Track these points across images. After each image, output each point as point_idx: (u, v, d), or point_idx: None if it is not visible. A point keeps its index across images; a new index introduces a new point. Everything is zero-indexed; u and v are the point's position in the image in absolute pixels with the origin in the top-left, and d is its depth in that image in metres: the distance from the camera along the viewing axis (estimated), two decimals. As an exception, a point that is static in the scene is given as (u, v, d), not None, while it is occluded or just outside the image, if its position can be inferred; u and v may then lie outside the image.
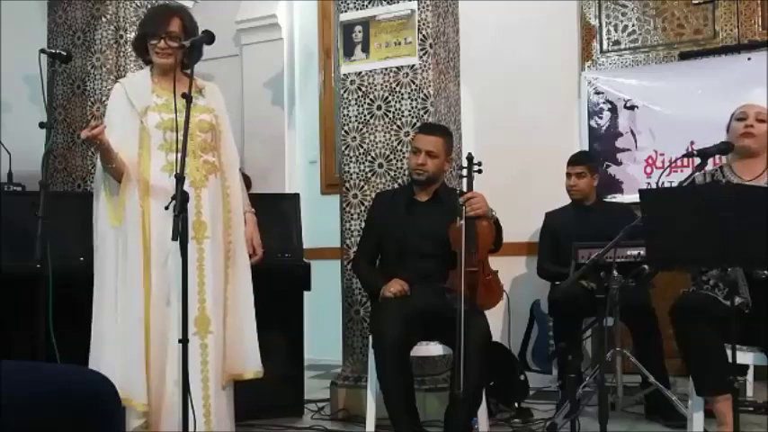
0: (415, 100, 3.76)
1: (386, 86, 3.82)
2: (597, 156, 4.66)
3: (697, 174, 2.97)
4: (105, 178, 2.73)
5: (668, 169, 4.36)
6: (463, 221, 3.10)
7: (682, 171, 4.37)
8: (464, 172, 3.21)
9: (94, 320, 2.70)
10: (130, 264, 2.66)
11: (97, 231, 2.75)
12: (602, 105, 4.90)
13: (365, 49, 3.87)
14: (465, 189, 3.19)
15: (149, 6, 4.35)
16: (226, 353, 2.76)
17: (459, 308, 2.93)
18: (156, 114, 2.75)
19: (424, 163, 3.33)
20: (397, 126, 3.79)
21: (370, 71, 3.86)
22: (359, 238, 3.70)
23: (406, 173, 3.70)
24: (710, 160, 3.06)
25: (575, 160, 4.17)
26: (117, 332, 2.65)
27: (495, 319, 3.88)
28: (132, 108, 2.76)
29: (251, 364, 2.82)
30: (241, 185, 2.95)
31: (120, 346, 2.63)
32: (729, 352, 2.47)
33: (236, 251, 2.84)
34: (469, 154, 3.24)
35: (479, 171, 3.20)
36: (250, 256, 2.89)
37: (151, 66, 2.89)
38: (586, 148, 4.80)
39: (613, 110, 4.86)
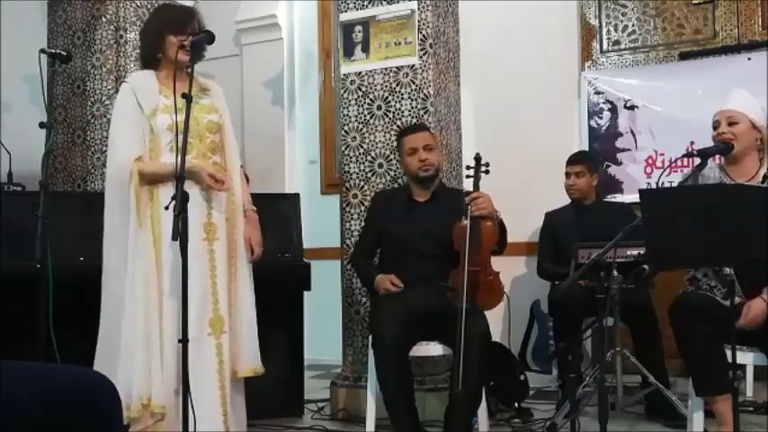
0: (415, 100, 3.76)
1: (386, 86, 3.82)
2: (597, 156, 4.66)
3: (690, 176, 2.97)
4: (132, 180, 2.70)
5: (668, 169, 4.35)
6: (468, 221, 3.10)
7: (682, 171, 4.37)
8: (471, 172, 3.23)
9: (109, 324, 2.69)
10: (148, 267, 2.66)
11: (117, 235, 2.73)
12: (602, 105, 4.90)
13: (365, 49, 3.87)
14: (472, 189, 3.20)
15: (150, 6, 4.36)
16: (231, 351, 2.77)
17: (460, 306, 2.93)
18: (167, 116, 2.73)
19: (426, 158, 3.34)
20: (397, 126, 3.78)
21: (370, 71, 3.86)
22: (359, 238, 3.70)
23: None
24: (710, 160, 3.07)
25: (573, 159, 4.18)
26: (137, 335, 2.64)
27: (495, 319, 3.88)
28: (141, 110, 2.76)
29: (250, 362, 2.82)
30: (244, 185, 2.95)
31: (140, 349, 2.63)
32: (729, 352, 2.47)
33: (239, 250, 2.85)
34: (477, 154, 3.26)
35: (486, 172, 3.22)
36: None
37: (156, 66, 2.87)
38: (586, 148, 4.80)
39: (613, 110, 4.86)
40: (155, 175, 2.72)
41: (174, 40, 2.78)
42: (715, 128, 3.03)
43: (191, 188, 2.64)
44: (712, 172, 3.05)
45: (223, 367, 2.69)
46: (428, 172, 3.36)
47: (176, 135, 2.66)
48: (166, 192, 2.70)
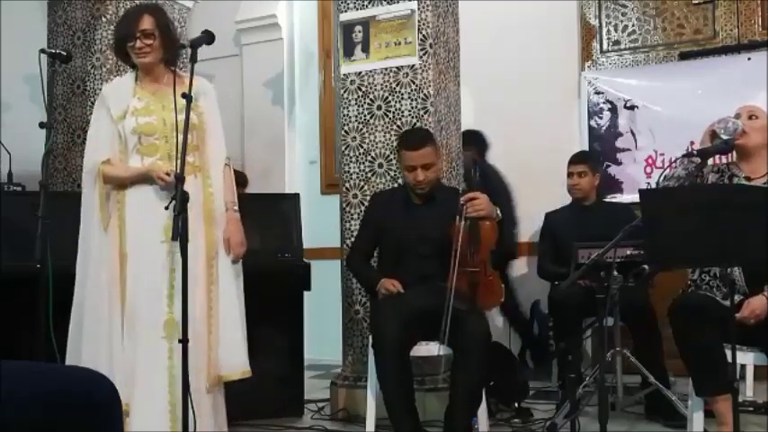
0: (415, 100, 3.76)
1: (386, 86, 3.82)
2: (597, 156, 4.67)
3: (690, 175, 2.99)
4: (97, 182, 2.73)
5: (668, 169, 4.35)
6: (462, 222, 3.09)
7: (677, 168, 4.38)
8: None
9: (80, 321, 2.71)
10: (110, 271, 2.68)
11: (92, 235, 2.75)
12: (602, 105, 4.90)
13: (365, 49, 3.87)
14: (469, 189, 3.20)
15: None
16: (211, 354, 2.73)
17: (455, 306, 2.95)
18: (133, 119, 2.75)
19: (423, 179, 3.30)
20: (397, 126, 3.78)
21: (370, 71, 3.85)
22: (358, 238, 3.70)
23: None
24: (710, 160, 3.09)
25: (577, 159, 4.18)
26: (98, 334, 2.66)
27: (496, 319, 3.88)
28: (110, 115, 2.78)
29: (237, 365, 2.77)
30: (230, 183, 2.89)
31: (89, 351, 2.65)
32: (729, 352, 2.47)
33: (220, 251, 2.80)
34: (474, 154, 3.24)
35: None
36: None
37: (136, 69, 2.88)
38: (586, 148, 4.81)
39: (613, 110, 4.87)
40: (118, 178, 2.75)
41: (129, 46, 2.79)
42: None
43: (148, 189, 2.69)
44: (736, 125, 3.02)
45: (173, 372, 2.63)
46: (423, 190, 3.34)
47: (178, 135, 2.67)
48: (134, 195, 2.73)
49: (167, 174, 2.65)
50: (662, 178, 3.05)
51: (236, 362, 2.78)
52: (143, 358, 2.61)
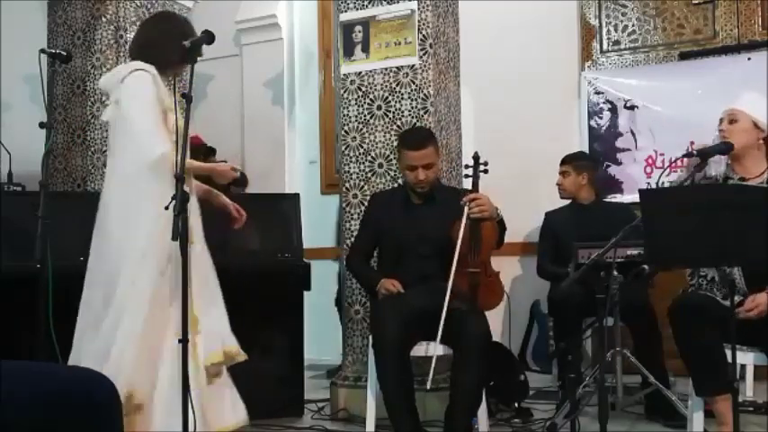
0: (415, 100, 3.76)
1: (386, 86, 3.82)
2: (594, 156, 4.66)
3: (690, 175, 2.99)
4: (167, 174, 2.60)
5: (668, 169, 4.36)
6: (463, 221, 3.09)
7: (682, 171, 4.38)
8: (469, 171, 3.22)
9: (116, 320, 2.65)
10: (149, 265, 2.63)
11: (146, 222, 2.64)
12: (602, 105, 4.90)
13: (365, 49, 3.87)
14: (471, 189, 3.19)
15: (150, 6, 4.36)
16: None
17: (443, 304, 2.96)
18: (172, 115, 2.72)
19: (424, 178, 3.30)
20: (397, 126, 3.78)
21: (370, 71, 3.85)
22: (358, 238, 3.70)
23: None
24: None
25: (562, 160, 4.21)
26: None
27: (496, 319, 3.88)
28: (159, 106, 2.68)
29: (223, 344, 2.69)
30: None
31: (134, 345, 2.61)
32: (729, 352, 2.48)
33: (194, 234, 2.73)
34: (476, 153, 3.24)
35: (485, 171, 3.20)
36: (236, 220, 2.91)
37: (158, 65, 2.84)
38: (586, 148, 4.81)
39: (613, 110, 4.87)
40: (200, 169, 2.75)
41: (192, 57, 2.72)
42: (719, 125, 3.06)
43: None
44: (718, 167, 3.05)
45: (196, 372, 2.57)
46: (423, 189, 3.34)
47: (178, 136, 2.64)
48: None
49: (233, 169, 2.75)
50: None
51: (222, 342, 2.68)
52: (170, 355, 2.53)
